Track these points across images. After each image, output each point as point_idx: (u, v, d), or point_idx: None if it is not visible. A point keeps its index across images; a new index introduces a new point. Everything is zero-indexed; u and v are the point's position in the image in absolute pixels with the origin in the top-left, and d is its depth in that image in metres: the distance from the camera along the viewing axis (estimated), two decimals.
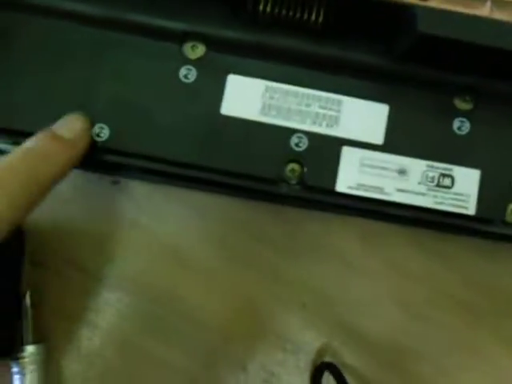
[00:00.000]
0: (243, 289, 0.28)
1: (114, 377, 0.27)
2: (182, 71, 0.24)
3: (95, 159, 0.24)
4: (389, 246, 0.28)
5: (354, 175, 0.24)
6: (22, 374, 0.25)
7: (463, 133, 0.24)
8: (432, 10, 0.21)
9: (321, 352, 0.27)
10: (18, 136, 0.23)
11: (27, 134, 0.22)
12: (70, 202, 0.28)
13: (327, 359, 0.27)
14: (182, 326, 0.27)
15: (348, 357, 0.27)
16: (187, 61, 0.24)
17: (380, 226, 0.28)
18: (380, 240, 0.28)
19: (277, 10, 0.23)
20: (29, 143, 0.21)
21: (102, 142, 0.23)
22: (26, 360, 0.25)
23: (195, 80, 0.24)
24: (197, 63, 0.24)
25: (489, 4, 0.22)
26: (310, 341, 0.27)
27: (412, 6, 0.21)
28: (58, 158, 0.21)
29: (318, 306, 0.28)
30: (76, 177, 0.28)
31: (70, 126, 0.22)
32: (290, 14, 0.23)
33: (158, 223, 0.28)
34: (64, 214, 0.28)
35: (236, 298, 0.28)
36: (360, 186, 0.24)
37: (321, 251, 0.28)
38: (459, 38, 0.21)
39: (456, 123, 0.24)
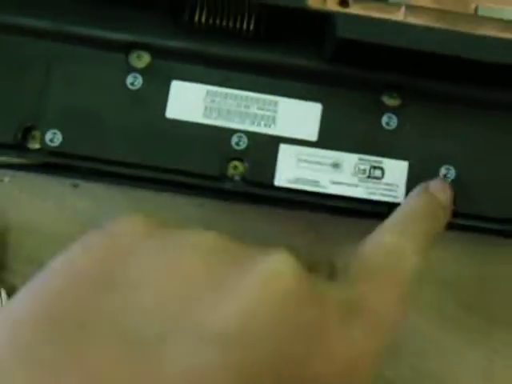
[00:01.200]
0: None
1: None
2: (129, 79, 0.26)
3: (50, 163, 0.25)
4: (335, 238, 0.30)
5: (291, 170, 0.26)
6: None
7: (391, 128, 0.26)
8: (350, 16, 0.23)
9: None
10: None
11: None
12: (31, 205, 0.30)
13: None
14: None
15: None
16: (133, 69, 0.26)
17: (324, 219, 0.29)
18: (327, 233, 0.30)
19: (211, 21, 0.25)
20: (426, 201, 0.24)
21: (56, 146, 0.25)
22: None
23: (141, 87, 0.26)
24: (142, 71, 0.26)
25: (403, 9, 0.24)
26: None
27: (333, 14, 0.23)
28: (442, 223, 0.23)
29: None
30: (37, 181, 0.29)
31: (448, 193, 0.24)
32: (224, 23, 0.25)
33: None
34: (26, 216, 0.30)
35: None
36: (297, 180, 0.26)
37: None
38: (376, 41, 0.23)
39: (384, 119, 0.26)
